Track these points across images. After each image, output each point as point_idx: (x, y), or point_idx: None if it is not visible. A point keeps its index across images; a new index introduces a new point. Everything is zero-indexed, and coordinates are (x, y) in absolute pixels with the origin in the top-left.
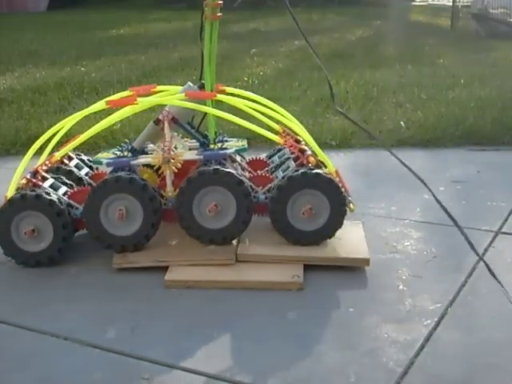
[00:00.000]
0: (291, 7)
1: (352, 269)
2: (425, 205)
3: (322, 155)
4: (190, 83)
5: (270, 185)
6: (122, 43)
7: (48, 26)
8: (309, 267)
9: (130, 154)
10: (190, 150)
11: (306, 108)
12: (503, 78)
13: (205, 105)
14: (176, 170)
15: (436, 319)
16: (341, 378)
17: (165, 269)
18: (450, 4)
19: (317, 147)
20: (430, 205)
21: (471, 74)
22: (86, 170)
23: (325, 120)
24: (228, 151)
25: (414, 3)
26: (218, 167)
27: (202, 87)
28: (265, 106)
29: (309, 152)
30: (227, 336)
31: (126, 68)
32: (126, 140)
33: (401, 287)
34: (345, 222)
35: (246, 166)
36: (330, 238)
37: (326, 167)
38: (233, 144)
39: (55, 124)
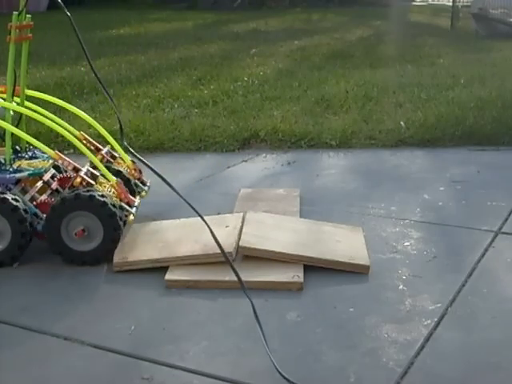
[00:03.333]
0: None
1: None
2: (425, 205)
3: (103, 168)
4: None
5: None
6: (122, 43)
7: (48, 26)
8: (309, 267)
9: None
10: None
11: (306, 108)
12: (503, 77)
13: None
14: None
15: (436, 319)
16: (341, 378)
17: (165, 269)
18: (450, 4)
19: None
20: (430, 205)
21: (471, 74)
22: None
23: (325, 120)
24: (18, 175)
25: (414, 3)
26: None
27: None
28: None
29: (83, 172)
30: (227, 336)
31: (126, 68)
32: None
33: (401, 287)
34: (345, 226)
35: (57, 186)
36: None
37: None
38: (36, 164)
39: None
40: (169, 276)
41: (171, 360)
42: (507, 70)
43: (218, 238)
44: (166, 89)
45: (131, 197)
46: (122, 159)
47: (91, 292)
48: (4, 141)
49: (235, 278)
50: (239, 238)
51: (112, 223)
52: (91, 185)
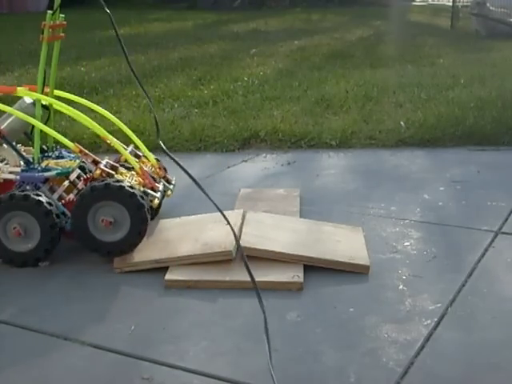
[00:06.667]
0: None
1: None
2: (425, 205)
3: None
4: (25, 98)
5: None
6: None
7: None
8: (309, 267)
9: None
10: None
11: (306, 108)
12: (503, 78)
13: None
14: None
15: (436, 319)
16: (341, 378)
17: (165, 269)
18: (450, 4)
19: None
20: (430, 205)
21: (471, 74)
22: None
23: (325, 120)
24: (46, 174)
25: (414, 3)
26: (15, 192)
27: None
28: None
29: (102, 164)
30: (227, 336)
31: (126, 68)
32: None
33: (401, 287)
34: (345, 226)
35: (82, 185)
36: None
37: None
38: (63, 163)
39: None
40: (169, 276)
41: (171, 360)
42: (507, 70)
43: (218, 236)
44: (166, 89)
45: (155, 182)
46: (147, 158)
47: (91, 292)
48: (31, 140)
49: (235, 278)
50: (239, 235)
51: (139, 215)
52: (111, 175)
